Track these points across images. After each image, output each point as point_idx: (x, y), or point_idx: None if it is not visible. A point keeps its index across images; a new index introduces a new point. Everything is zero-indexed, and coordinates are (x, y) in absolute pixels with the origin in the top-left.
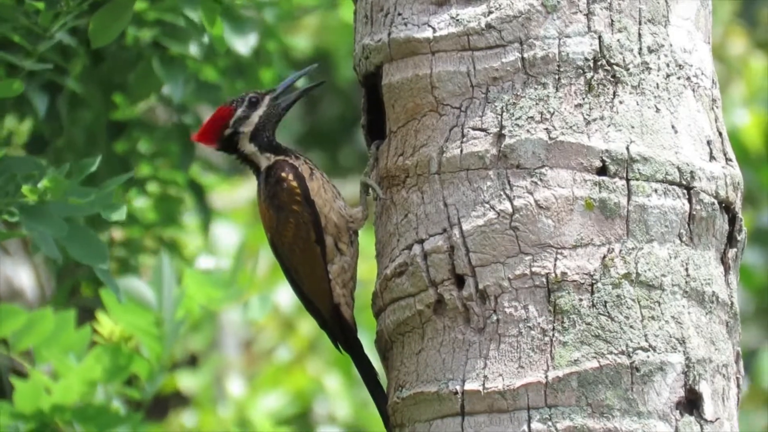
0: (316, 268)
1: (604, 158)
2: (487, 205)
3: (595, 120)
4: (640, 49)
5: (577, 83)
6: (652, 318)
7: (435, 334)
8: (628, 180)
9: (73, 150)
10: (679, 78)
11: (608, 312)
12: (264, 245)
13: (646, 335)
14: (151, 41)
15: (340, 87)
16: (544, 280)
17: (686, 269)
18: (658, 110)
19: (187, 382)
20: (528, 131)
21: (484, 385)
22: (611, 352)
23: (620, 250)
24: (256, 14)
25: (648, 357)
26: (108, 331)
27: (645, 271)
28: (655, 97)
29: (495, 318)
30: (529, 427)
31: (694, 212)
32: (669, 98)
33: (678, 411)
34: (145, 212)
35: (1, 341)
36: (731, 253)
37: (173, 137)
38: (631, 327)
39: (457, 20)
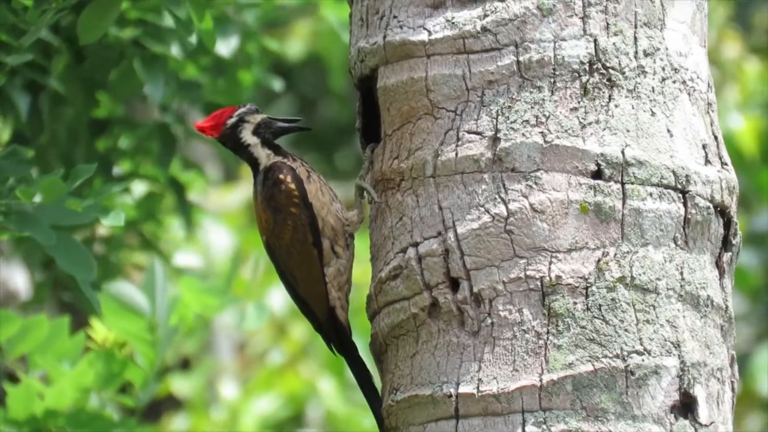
0: (313, 271)
1: (600, 162)
2: (482, 209)
3: (590, 123)
4: (636, 52)
5: (572, 87)
6: (647, 322)
7: (429, 337)
8: (623, 184)
9: (55, 147)
10: (674, 82)
11: (603, 315)
12: (258, 249)
13: (640, 339)
14: (133, 40)
15: (335, 90)
16: (538, 283)
17: (681, 273)
18: (653, 114)
19: (180, 385)
20: (523, 135)
21: (478, 388)
22: (606, 356)
23: (615, 254)
24: (237, 15)
25: (643, 361)
26: (102, 338)
27: (640, 275)
28: (650, 100)
29: (489, 321)
30: (523, 430)
31: (690, 216)
32: (664, 102)
33: (673, 415)
34: (127, 209)
35: None
36: (726, 257)
37: (154, 135)
38: (625, 331)
39: (453, 23)
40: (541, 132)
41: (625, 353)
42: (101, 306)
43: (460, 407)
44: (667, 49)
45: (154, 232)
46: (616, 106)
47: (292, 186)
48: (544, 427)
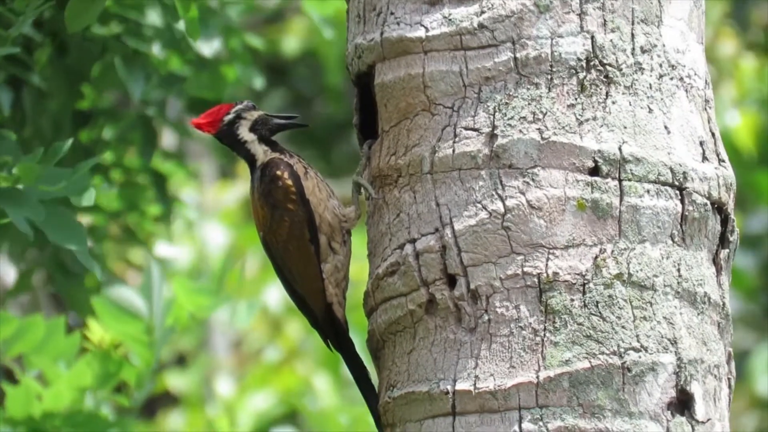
0: (310, 267)
1: (597, 159)
2: (479, 205)
3: (587, 120)
4: (633, 49)
5: (569, 83)
6: (644, 318)
7: (426, 333)
8: (620, 180)
9: (39, 139)
10: (672, 78)
11: (600, 312)
12: (253, 247)
13: (637, 336)
14: (115, 36)
15: (332, 87)
16: (535, 280)
17: (678, 270)
18: (650, 111)
19: (176, 382)
20: (520, 131)
21: (475, 385)
22: (603, 353)
23: (612, 251)
24: (221, 11)
25: (639, 357)
26: (98, 338)
27: (637, 272)
28: (647, 97)
29: (486, 318)
30: (520, 427)
31: (687, 213)
32: (662, 99)
33: (669, 411)
34: (110, 200)
35: None
36: (723, 253)
37: (136, 127)
38: (622, 327)
39: (450, 20)
40: (538, 128)
41: (622, 350)
42: (96, 309)
43: (457, 404)
44: (664, 45)
45: (139, 223)
46: (613, 102)
47: (290, 182)
48: (541, 423)
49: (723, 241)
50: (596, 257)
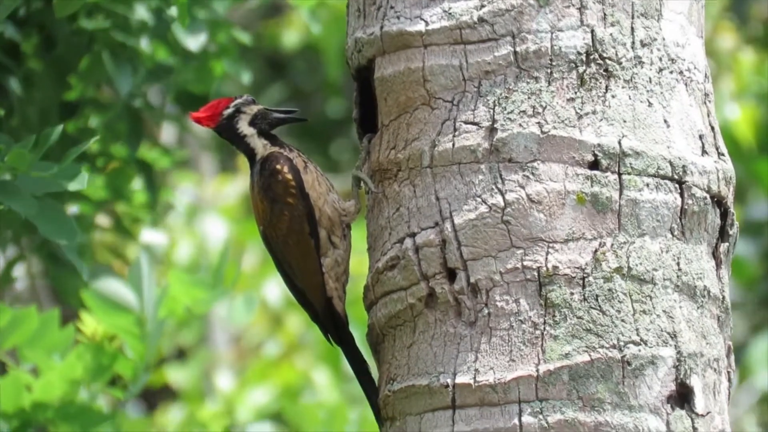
0: (310, 261)
1: (596, 152)
2: (479, 199)
3: (587, 114)
4: (633, 43)
5: (569, 77)
6: (644, 312)
7: (426, 327)
8: (620, 174)
9: (27, 128)
10: (671, 72)
11: (600, 306)
12: (251, 241)
13: (637, 329)
14: (102, 30)
15: (331, 81)
16: (535, 273)
17: (678, 263)
18: (650, 104)
19: (176, 375)
20: (520, 125)
21: (475, 378)
22: (602, 346)
23: (612, 244)
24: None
25: (639, 351)
26: (91, 331)
27: (636, 265)
28: (647, 91)
29: (486, 311)
30: (519, 420)
31: (686, 206)
32: (661, 92)
33: (669, 405)
34: (96, 189)
35: None
36: (723, 247)
37: (123, 117)
38: (622, 321)
39: (450, 14)
40: (538, 122)
41: (622, 343)
42: (87, 302)
43: (457, 397)
44: (664, 39)
45: (126, 212)
46: (613, 96)
47: (289, 176)
48: (541, 417)
49: (722, 234)
50: (596, 251)
